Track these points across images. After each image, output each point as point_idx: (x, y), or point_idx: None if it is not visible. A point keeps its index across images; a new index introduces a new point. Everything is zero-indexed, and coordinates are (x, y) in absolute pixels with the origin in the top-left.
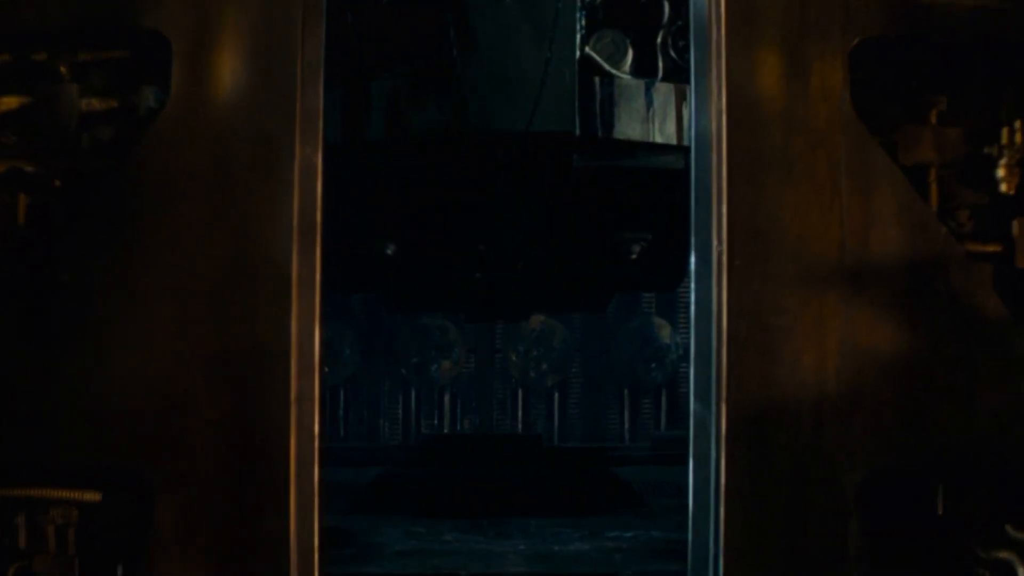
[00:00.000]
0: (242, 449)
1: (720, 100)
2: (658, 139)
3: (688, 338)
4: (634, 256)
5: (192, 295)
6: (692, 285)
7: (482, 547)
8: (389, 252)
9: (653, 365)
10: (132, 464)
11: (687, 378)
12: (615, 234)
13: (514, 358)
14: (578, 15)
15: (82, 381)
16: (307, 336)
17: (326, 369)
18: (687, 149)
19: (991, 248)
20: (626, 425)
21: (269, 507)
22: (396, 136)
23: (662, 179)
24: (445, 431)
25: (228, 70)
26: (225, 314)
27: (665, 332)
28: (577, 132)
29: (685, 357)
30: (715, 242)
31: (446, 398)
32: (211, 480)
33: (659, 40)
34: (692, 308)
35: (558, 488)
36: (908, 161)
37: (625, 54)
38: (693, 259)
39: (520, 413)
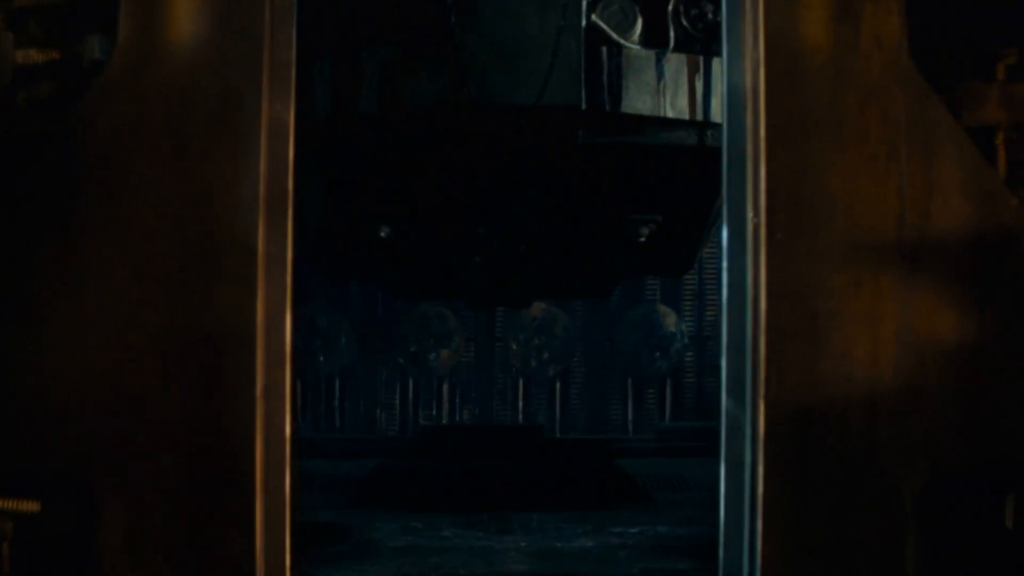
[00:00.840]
0: (201, 452)
1: (756, 50)
2: (669, 113)
3: (694, 326)
4: (643, 239)
5: (143, 275)
6: (723, 264)
7: (482, 544)
8: (383, 235)
9: (657, 354)
10: (75, 470)
11: (693, 368)
12: (623, 216)
13: (515, 347)
14: None
15: (16, 376)
16: (276, 321)
17: (324, 359)
18: (700, 124)
19: None
20: (630, 416)
21: (232, 519)
22: (389, 110)
23: (673, 157)
24: (444, 422)
25: (185, 15)
26: (181, 297)
27: (670, 320)
28: (583, 106)
29: (691, 346)
30: (750, 214)
31: (445, 388)
32: (165, 488)
33: (670, 8)
34: (724, 291)
35: (560, 481)
36: (973, 122)
37: (634, 23)
38: (725, 234)
39: (521, 403)
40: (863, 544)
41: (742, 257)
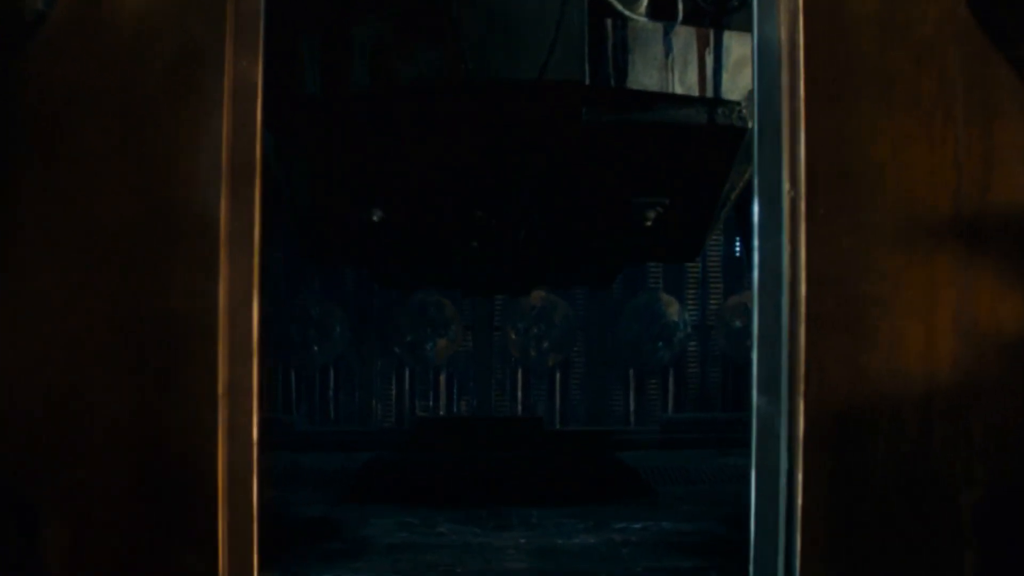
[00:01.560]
0: (154, 459)
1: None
2: (678, 90)
3: (698, 315)
4: (649, 223)
5: (87, 257)
6: (755, 244)
7: (480, 540)
8: (375, 219)
9: (660, 344)
10: (9, 480)
11: (696, 358)
12: (628, 199)
13: (513, 336)
14: None
15: None
16: (241, 309)
17: (318, 349)
18: (710, 101)
19: None
20: (631, 407)
21: (191, 538)
22: (382, 87)
23: (682, 136)
24: (441, 413)
25: None
26: (130, 281)
27: (673, 309)
28: (586, 82)
29: (694, 335)
30: (787, 187)
31: (442, 378)
32: (113, 502)
33: None
34: (755, 274)
35: (560, 474)
36: None
37: None
38: (756, 210)
39: (520, 394)
40: (915, 562)
41: (777, 236)
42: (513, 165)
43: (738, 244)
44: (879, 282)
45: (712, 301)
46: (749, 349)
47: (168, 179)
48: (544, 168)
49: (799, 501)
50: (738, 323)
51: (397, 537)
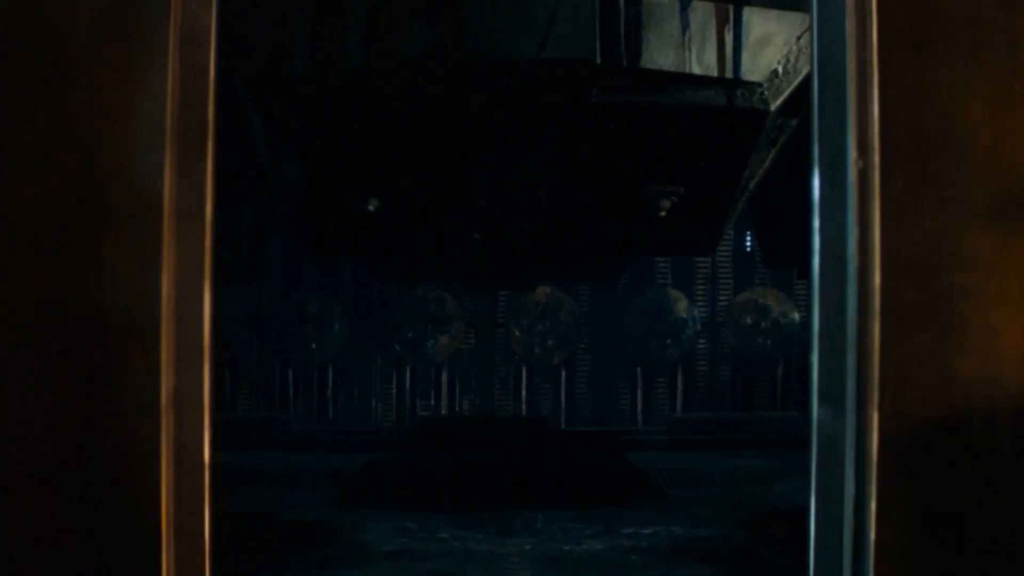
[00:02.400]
0: (83, 483)
1: None
2: (695, 70)
3: (707, 312)
4: (663, 213)
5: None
6: (815, 224)
7: (482, 547)
8: (371, 208)
9: (668, 341)
10: None
11: (706, 356)
12: (641, 187)
13: (517, 333)
14: None
15: None
16: (190, 302)
17: (315, 346)
18: (730, 83)
19: None
20: (639, 406)
21: None
22: (376, 66)
23: (699, 119)
24: (442, 413)
25: None
26: (54, 268)
27: (682, 305)
28: (597, 60)
29: (703, 332)
30: (854, 155)
31: (443, 377)
32: (33, 533)
33: None
34: (815, 261)
35: (566, 476)
36: None
37: None
38: (816, 183)
39: (524, 393)
40: None
41: (842, 215)
42: (518, 151)
43: (748, 238)
44: (970, 270)
45: (722, 297)
46: (760, 348)
47: (101, 144)
48: (551, 153)
49: (871, 535)
50: (748, 320)
51: (396, 543)
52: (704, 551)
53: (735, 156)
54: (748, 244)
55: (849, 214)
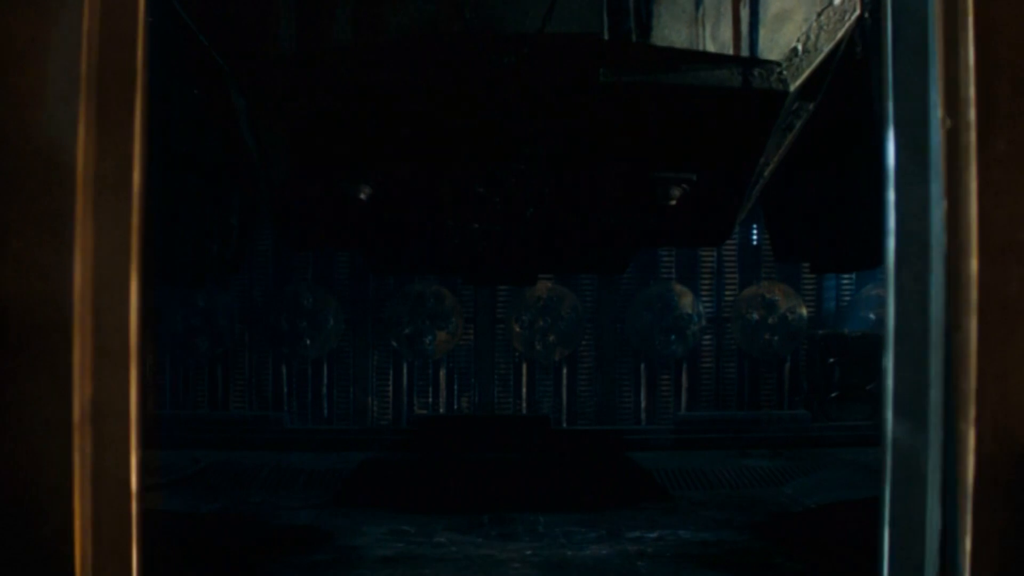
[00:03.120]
0: None
1: None
2: (709, 47)
3: (712, 306)
4: (673, 202)
5: None
6: (888, 198)
7: (481, 552)
8: (363, 196)
9: (673, 337)
10: None
11: (711, 352)
12: (650, 173)
13: (518, 329)
14: None
15: None
16: (110, 295)
17: (310, 342)
18: (746, 61)
19: None
20: (642, 404)
21: None
22: (368, 40)
23: (713, 100)
24: (440, 411)
25: None
26: None
27: (686, 300)
28: (604, 36)
29: (709, 328)
30: (940, 112)
31: (442, 374)
32: None
33: None
34: (890, 242)
35: (568, 477)
36: None
37: None
38: (890, 147)
39: (524, 391)
40: None
41: (924, 187)
42: (519, 133)
43: (755, 231)
44: None
45: (728, 292)
46: (767, 344)
47: None
48: (554, 136)
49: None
50: (755, 315)
51: (391, 548)
52: (713, 557)
53: (751, 140)
54: (755, 237)
55: (934, 185)
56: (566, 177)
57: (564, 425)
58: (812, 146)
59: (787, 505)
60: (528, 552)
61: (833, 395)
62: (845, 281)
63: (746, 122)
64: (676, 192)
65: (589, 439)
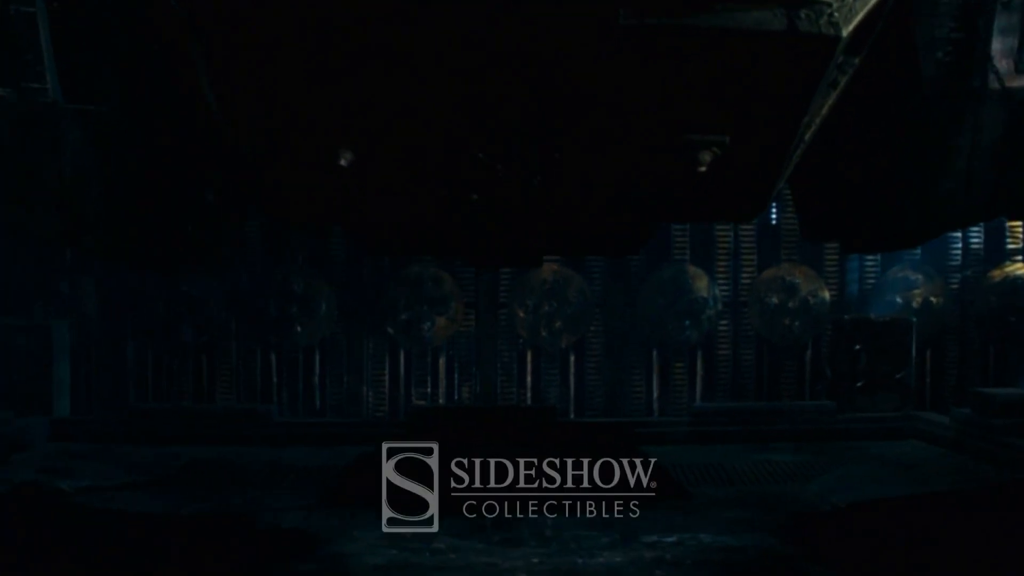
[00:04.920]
0: None
1: None
2: None
3: (729, 290)
4: (702, 168)
5: None
6: None
7: (483, 560)
8: (343, 163)
9: (687, 322)
10: None
11: (728, 338)
12: (677, 133)
13: (522, 314)
14: None
15: None
16: None
17: (301, 328)
18: (792, 1)
19: None
20: (654, 394)
21: None
22: None
23: (752, 47)
24: (440, 402)
25: None
26: None
27: (701, 283)
28: None
29: (725, 313)
30: None
31: (441, 362)
32: None
33: None
34: None
35: (578, 474)
36: None
37: None
38: None
39: (529, 380)
40: None
41: None
42: (525, 88)
43: (774, 208)
44: None
45: (745, 274)
46: (787, 330)
47: None
48: (566, 90)
49: None
50: (774, 299)
51: (384, 555)
52: (738, 564)
53: (794, 94)
54: (774, 216)
55: None
56: (579, 140)
57: (571, 416)
58: (853, 109)
59: (814, 504)
60: (535, 560)
61: (859, 384)
62: (869, 262)
63: (789, 71)
64: (706, 156)
65: (599, 432)
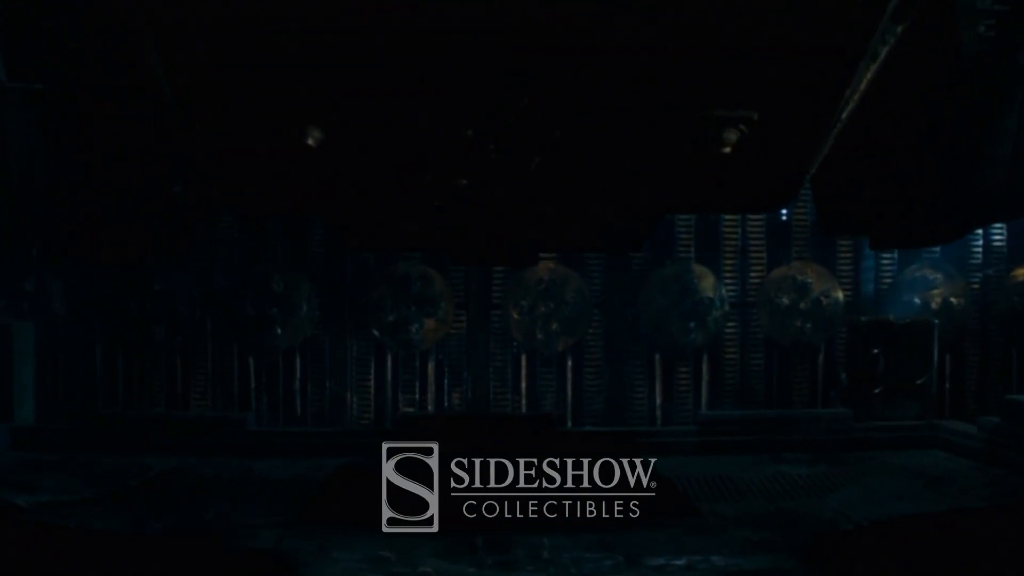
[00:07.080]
0: None
1: None
2: None
3: (737, 290)
4: (727, 148)
5: None
6: None
7: None
8: (311, 143)
9: (692, 324)
10: None
11: (735, 341)
12: (696, 109)
13: (516, 315)
14: None
15: None
16: None
17: (281, 330)
18: None
19: None
20: (658, 401)
21: None
22: None
23: (781, 14)
24: (429, 409)
25: None
26: None
27: (707, 282)
28: None
29: (732, 314)
30: None
31: (430, 366)
32: None
33: None
34: None
35: (577, 489)
36: None
37: None
38: None
39: (524, 386)
40: None
41: None
42: (519, 56)
43: None
44: None
45: (754, 273)
46: (799, 332)
47: None
48: (567, 59)
49: None
50: (785, 300)
51: None
52: None
53: (838, 63)
54: (784, 213)
55: None
56: (583, 115)
57: (569, 425)
58: (891, 87)
59: (834, 521)
60: None
61: (877, 390)
62: (885, 261)
63: (832, 31)
64: (731, 136)
65: (598, 442)
